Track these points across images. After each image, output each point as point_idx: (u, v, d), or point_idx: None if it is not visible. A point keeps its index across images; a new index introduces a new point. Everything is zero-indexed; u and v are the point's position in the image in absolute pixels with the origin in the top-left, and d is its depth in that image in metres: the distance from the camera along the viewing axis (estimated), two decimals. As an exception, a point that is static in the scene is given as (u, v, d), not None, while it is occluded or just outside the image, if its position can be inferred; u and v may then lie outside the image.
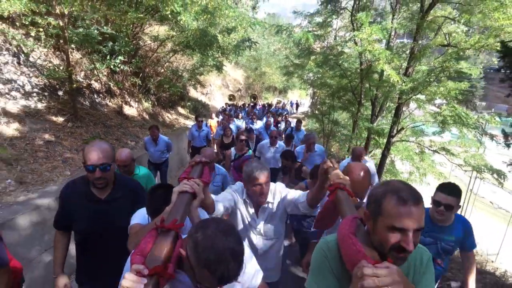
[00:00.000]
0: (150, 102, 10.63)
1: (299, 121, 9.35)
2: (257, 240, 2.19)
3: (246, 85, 30.65)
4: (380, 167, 11.08)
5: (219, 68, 11.84)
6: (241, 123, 10.24)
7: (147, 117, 9.85)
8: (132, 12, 6.40)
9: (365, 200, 1.91)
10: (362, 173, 1.96)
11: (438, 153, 10.60)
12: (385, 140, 11.27)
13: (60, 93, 6.87)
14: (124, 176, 2.16)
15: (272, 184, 2.18)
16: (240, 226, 2.17)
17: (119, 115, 8.31)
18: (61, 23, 5.58)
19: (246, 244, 1.41)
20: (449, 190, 2.19)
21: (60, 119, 6.15)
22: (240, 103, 21.95)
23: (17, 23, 6.14)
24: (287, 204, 2.10)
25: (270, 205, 2.14)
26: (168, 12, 7.12)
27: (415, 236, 0.94)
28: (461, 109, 8.80)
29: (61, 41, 6.54)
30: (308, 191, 1.98)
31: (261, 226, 2.15)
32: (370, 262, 0.89)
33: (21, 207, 3.34)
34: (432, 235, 2.29)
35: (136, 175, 3.19)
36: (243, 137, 4.68)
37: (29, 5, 5.31)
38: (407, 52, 10.16)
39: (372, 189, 1.11)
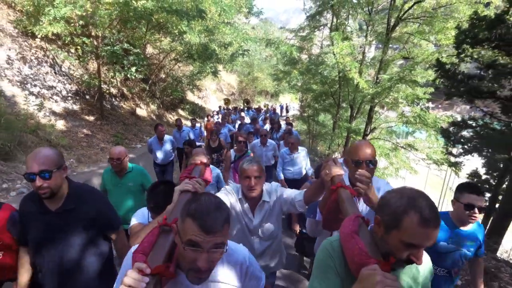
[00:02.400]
0: (156, 104, 12.16)
1: (289, 124, 10.67)
2: (254, 240, 2.16)
3: (239, 89, 32.23)
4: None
5: (215, 73, 13.42)
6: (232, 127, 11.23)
7: (154, 117, 11.39)
8: (150, 34, 7.94)
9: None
10: (366, 143, 1.84)
11: (405, 148, 12.38)
12: (360, 138, 12.92)
13: (88, 97, 8.39)
14: (83, 186, 1.94)
15: (267, 184, 2.18)
16: (237, 226, 2.14)
17: (133, 115, 9.84)
18: (95, 43, 7.10)
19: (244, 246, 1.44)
20: (478, 190, 1.97)
21: (91, 118, 7.67)
22: (231, 106, 23.41)
23: (59, 42, 7.65)
24: (283, 202, 2.09)
25: (266, 204, 2.11)
26: (176, 31, 8.67)
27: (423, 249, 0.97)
28: (420, 110, 10.52)
29: (89, 54, 8.03)
30: (305, 189, 1.98)
31: (257, 225, 2.11)
32: (374, 262, 0.91)
33: (89, 174, 4.91)
34: (454, 241, 2.06)
35: (129, 173, 3.18)
36: (241, 139, 4.68)
37: (67, 28, 6.83)
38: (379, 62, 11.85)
39: (388, 197, 1.06)
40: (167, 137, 5.74)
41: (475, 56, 6.58)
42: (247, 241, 2.14)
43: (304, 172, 5.04)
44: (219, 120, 11.16)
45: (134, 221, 1.99)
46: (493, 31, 6.48)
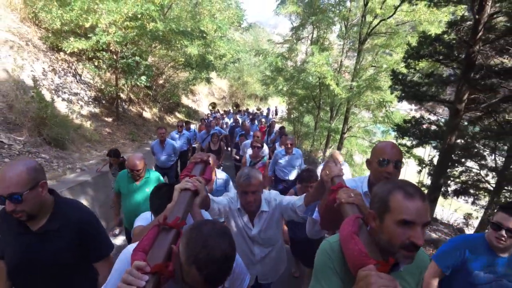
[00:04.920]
0: (157, 108, 13.69)
1: (282, 128, 10.53)
2: (254, 248, 2.17)
3: (230, 93, 33.86)
4: (336, 157, 14.51)
5: (208, 80, 15.04)
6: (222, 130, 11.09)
7: (157, 119, 12.92)
8: (158, 49, 9.50)
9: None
10: (392, 144, 1.68)
11: (375, 144, 14.19)
12: (339, 137, 14.67)
13: (104, 102, 9.88)
14: (70, 202, 1.71)
15: (266, 192, 2.18)
16: (236, 234, 2.14)
17: (141, 117, 11.37)
18: (114, 57, 8.63)
19: (240, 250, 1.45)
20: None
21: (109, 119, 9.19)
22: (221, 110, 24.98)
23: (83, 56, 9.15)
24: (283, 210, 2.09)
25: (265, 214, 2.11)
26: (179, 45, 10.25)
27: (422, 231, 0.96)
28: (386, 110, 12.31)
29: (108, 66, 9.53)
30: (304, 194, 1.95)
31: (257, 234, 2.12)
32: (373, 262, 0.91)
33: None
34: (491, 269, 1.77)
35: (148, 178, 3.23)
36: (257, 144, 4.65)
37: (91, 44, 8.33)
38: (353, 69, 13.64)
39: (375, 188, 1.11)
40: (169, 141, 5.85)
41: (417, 68, 8.37)
42: (247, 247, 2.16)
43: (296, 174, 5.16)
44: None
45: (137, 224, 2.01)
46: (431, 47, 8.22)
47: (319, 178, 1.62)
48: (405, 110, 16.53)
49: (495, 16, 6.76)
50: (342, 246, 1.06)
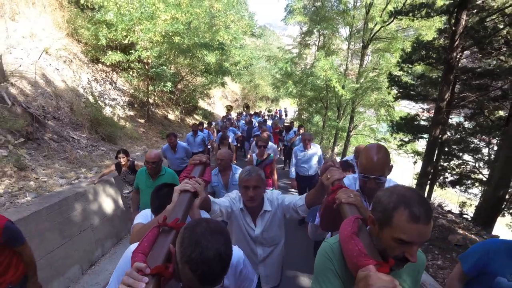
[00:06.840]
0: (178, 111, 15.16)
1: (300, 125, 9.88)
2: (256, 248, 2.20)
3: (242, 96, 35.22)
4: (343, 155, 15.63)
5: (223, 84, 16.44)
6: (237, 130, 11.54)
7: (179, 121, 14.38)
8: (183, 59, 10.94)
9: (387, 178, 1.78)
10: (377, 155, 1.71)
11: (379, 141, 15.27)
12: (345, 135, 15.81)
13: (135, 105, 11.36)
14: None
15: (268, 192, 2.21)
16: (239, 234, 2.18)
17: (166, 119, 12.83)
18: (146, 67, 10.09)
19: (243, 250, 1.46)
20: None
21: (142, 121, 10.65)
22: (233, 113, 26.31)
23: (120, 67, 10.65)
24: (285, 209, 2.10)
25: (267, 214, 2.13)
26: (199, 54, 11.66)
27: (419, 247, 0.97)
28: (388, 109, 13.42)
29: (135, 75, 10.99)
30: (305, 194, 1.96)
31: (259, 234, 2.14)
32: (373, 263, 0.91)
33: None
34: None
35: (162, 176, 3.39)
36: (262, 144, 4.77)
37: (126, 56, 9.78)
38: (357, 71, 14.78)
39: (380, 194, 1.07)
40: (181, 144, 5.87)
41: (410, 71, 9.51)
42: (249, 247, 2.19)
43: (316, 168, 5.33)
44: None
45: (137, 221, 2.03)
46: (423, 52, 9.33)
47: (319, 181, 1.63)
48: (416, 109, 17.58)
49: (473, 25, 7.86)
50: (342, 246, 1.06)
